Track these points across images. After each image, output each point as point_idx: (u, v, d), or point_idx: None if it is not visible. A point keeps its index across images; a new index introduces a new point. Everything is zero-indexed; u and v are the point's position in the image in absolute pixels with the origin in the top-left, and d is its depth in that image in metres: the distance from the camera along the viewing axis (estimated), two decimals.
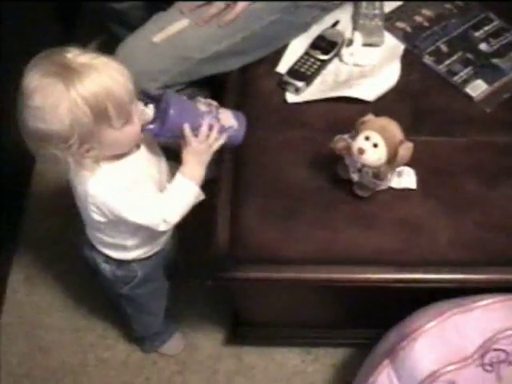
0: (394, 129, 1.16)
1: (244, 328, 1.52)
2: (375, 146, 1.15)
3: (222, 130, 1.12)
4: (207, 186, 1.15)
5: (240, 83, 1.42)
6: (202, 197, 1.14)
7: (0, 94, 1.48)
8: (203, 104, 1.13)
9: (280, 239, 1.22)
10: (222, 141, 1.12)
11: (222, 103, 1.32)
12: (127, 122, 1.02)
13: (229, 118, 1.14)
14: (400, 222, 1.23)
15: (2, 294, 1.62)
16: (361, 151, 1.15)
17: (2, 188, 1.57)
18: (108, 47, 1.90)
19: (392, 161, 1.16)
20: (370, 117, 1.18)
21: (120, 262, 1.25)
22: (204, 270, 1.20)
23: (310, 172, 1.28)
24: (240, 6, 1.35)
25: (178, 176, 1.11)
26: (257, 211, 1.25)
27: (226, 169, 1.30)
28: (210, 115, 1.11)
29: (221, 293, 1.51)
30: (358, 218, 1.23)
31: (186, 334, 1.57)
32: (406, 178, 1.26)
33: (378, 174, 1.18)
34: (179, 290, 1.54)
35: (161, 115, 1.08)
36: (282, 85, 1.39)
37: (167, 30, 1.35)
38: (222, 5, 1.35)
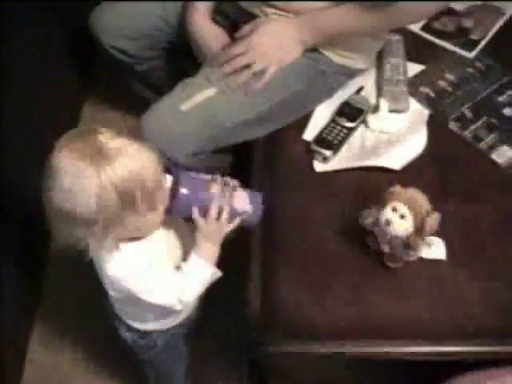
0: (421, 200, 1.16)
1: None
2: (402, 217, 1.15)
3: (234, 214, 1.09)
4: (227, 245, 1.13)
5: (267, 151, 1.42)
6: (218, 274, 1.12)
7: (20, 151, 1.52)
8: (219, 184, 1.08)
9: (313, 312, 1.20)
10: (233, 225, 1.10)
11: (249, 172, 1.33)
12: (152, 208, 1.01)
13: (243, 202, 1.10)
14: (433, 293, 1.22)
15: (21, 364, 1.60)
16: (388, 222, 1.15)
17: (21, 255, 1.57)
18: (126, 102, 1.94)
19: (420, 231, 1.16)
20: (397, 188, 1.19)
21: (141, 332, 1.24)
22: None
23: (341, 241, 1.28)
24: (268, 74, 1.35)
25: (193, 257, 1.10)
26: (289, 282, 1.24)
27: (255, 239, 1.30)
28: (222, 198, 1.07)
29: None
30: (391, 290, 1.22)
31: None
32: (435, 250, 1.25)
33: (409, 243, 1.18)
34: (199, 347, 1.49)
35: (172, 194, 1.06)
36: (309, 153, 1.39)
37: (195, 99, 1.33)
38: (250, 74, 1.35)
